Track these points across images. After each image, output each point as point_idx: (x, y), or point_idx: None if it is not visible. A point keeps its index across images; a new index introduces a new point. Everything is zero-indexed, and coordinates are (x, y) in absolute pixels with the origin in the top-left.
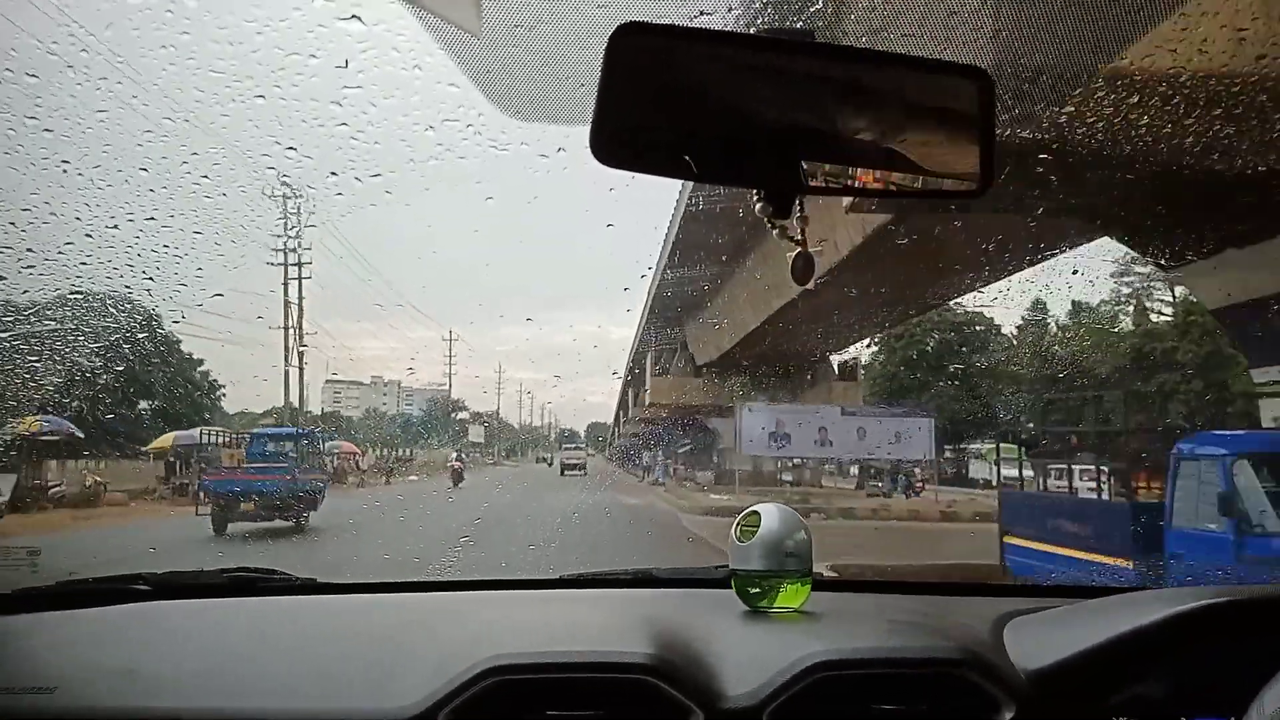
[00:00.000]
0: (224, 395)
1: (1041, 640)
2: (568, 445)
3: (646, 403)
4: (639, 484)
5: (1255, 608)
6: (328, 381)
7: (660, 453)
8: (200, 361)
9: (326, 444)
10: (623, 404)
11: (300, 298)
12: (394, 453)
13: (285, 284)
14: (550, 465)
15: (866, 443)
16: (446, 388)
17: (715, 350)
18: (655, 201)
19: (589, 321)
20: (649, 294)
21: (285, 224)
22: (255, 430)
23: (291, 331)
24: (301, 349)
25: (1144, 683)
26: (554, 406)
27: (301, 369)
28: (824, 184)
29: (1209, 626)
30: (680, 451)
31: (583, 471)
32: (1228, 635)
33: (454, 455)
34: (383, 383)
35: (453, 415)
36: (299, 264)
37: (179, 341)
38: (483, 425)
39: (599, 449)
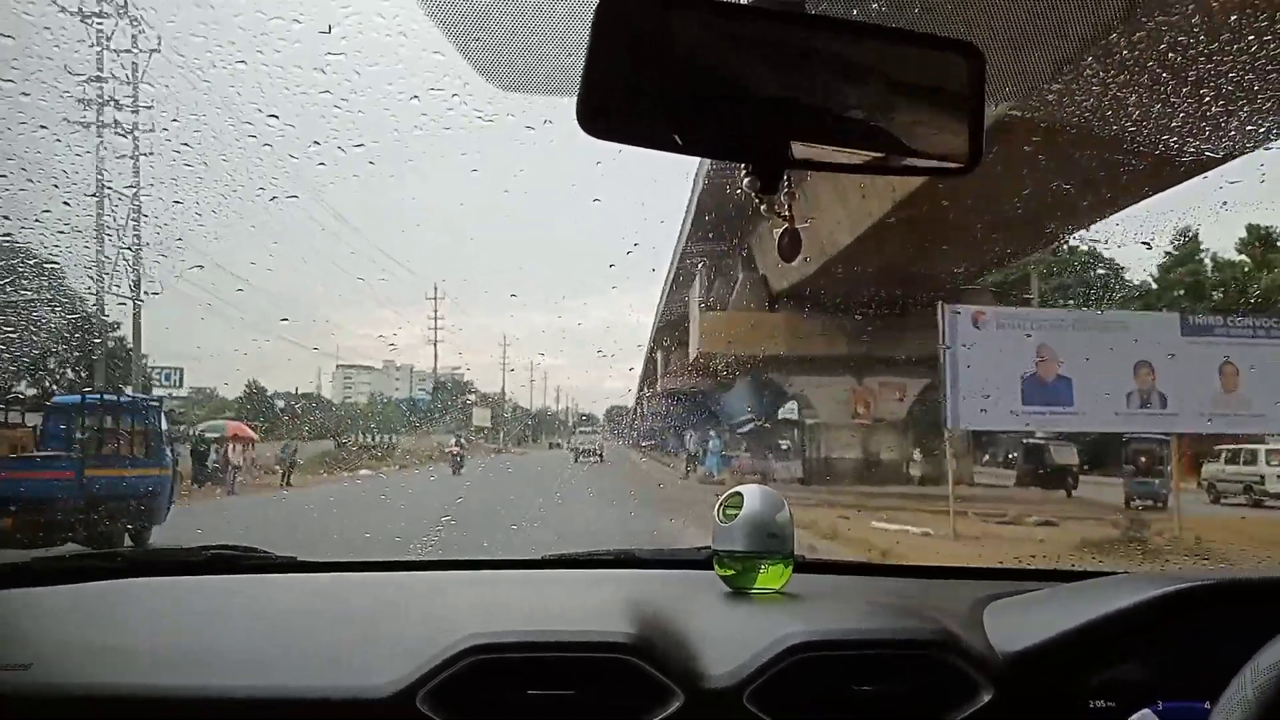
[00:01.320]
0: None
1: (1020, 623)
2: (583, 429)
3: (692, 355)
4: (682, 482)
5: (1229, 592)
6: (339, 366)
7: (709, 433)
8: (116, 326)
9: (201, 425)
10: (648, 374)
11: (136, 167)
12: (377, 438)
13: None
14: (574, 450)
15: (1240, 397)
16: (458, 367)
17: (816, 256)
18: (644, 178)
19: (585, 299)
20: (690, 202)
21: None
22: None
23: (112, 231)
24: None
25: (1121, 666)
26: (570, 389)
27: (138, 289)
28: (812, 158)
29: (1184, 611)
30: (743, 430)
31: (598, 458)
32: (1203, 620)
33: (453, 441)
34: (394, 367)
35: (463, 399)
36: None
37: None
38: (489, 408)
39: (618, 434)
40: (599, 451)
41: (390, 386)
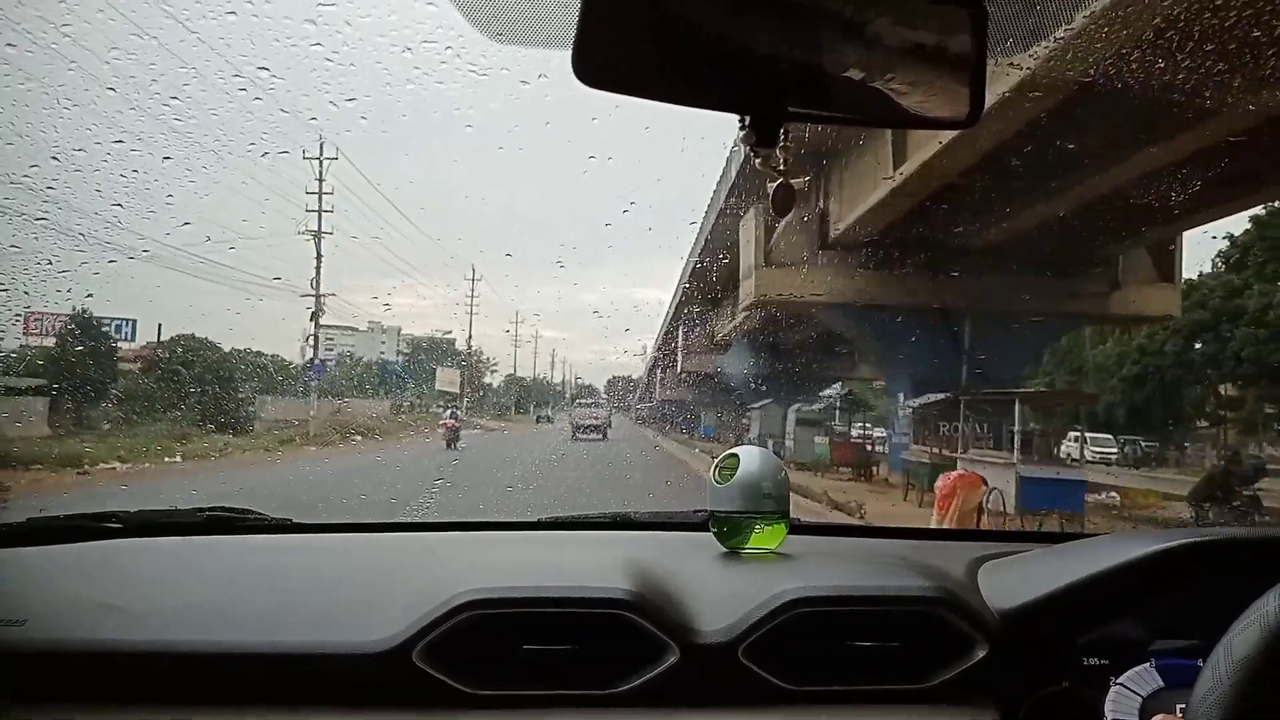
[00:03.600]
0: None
1: (1014, 581)
2: (583, 401)
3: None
4: None
5: (1220, 549)
6: (320, 326)
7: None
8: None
9: None
10: (686, 312)
11: None
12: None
13: None
14: (573, 425)
15: None
16: (448, 330)
17: None
18: (639, 135)
19: (581, 259)
20: None
21: None
22: None
23: None
24: None
25: (1114, 623)
26: (568, 361)
27: None
28: (811, 111)
29: (1175, 568)
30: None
31: (601, 436)
32: (1194, 577)
33: (448, 413)
34: (380, 329)
35: (434, 362)
36: None
37: None
38: (458, 369)
39: (623, 409)
40: (603, 429)
41: (374, 349)
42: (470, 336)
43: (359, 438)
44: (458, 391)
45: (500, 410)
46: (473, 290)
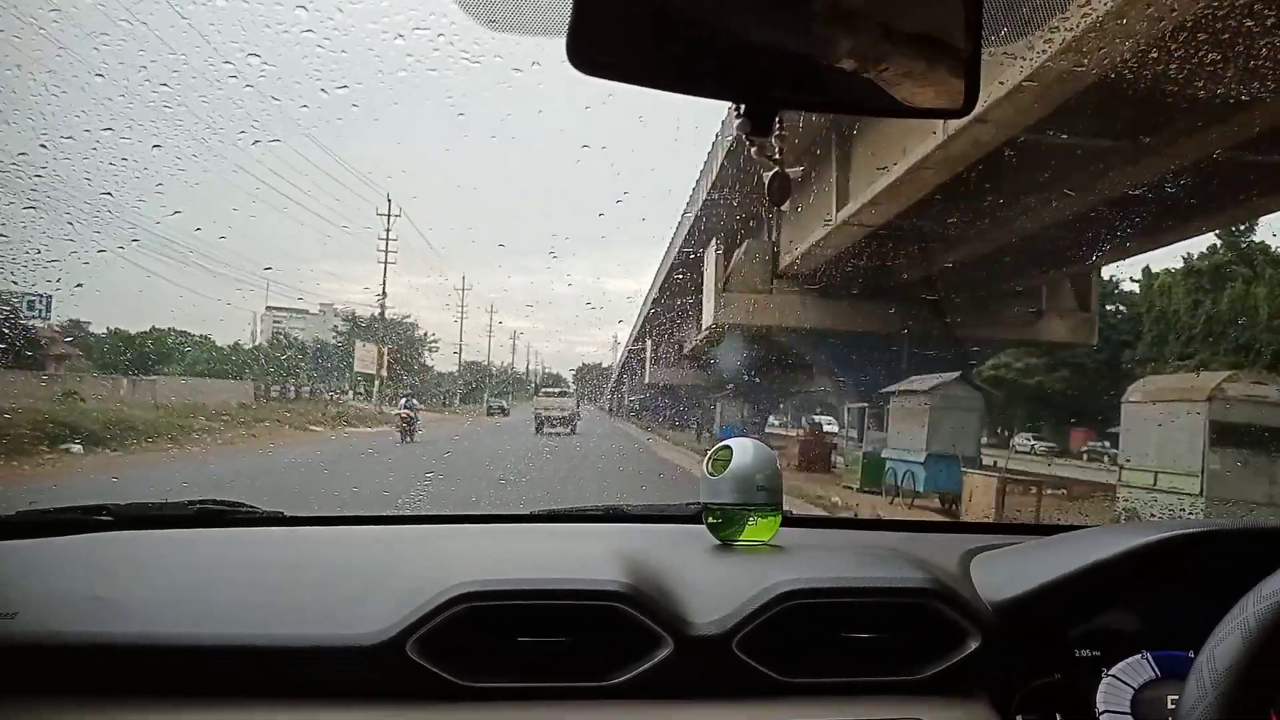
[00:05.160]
0: None
1: (1007, 573)
2: (548, 390)
3: None
4: None
5: (1211, 541)
6: (269, 308)
7: None
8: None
9: None
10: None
11: None
12: None
13: None
14: (537, 418)
15: None
16: (407, 315)
17: None
18: (633, 126)
19: (575, 249)
20: None
21: None
22: None
23: None
24: None
25: (1106, 615)
26: (550, 345)
27: None
28: (806, 99)
29: (1167, 560)
30: None
31: (570, 429)
32: (1186, 569)
33: (403, 401)
34: (332, 311)
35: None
36: None
37: None
38: (381, 346)
39: (594, 400)
40: (571, 421)
41: (325, 331)
42: (384, 295)
43: (77, 446)
44: (374, 373)
45: (444, 399)
46: (389, 227)
